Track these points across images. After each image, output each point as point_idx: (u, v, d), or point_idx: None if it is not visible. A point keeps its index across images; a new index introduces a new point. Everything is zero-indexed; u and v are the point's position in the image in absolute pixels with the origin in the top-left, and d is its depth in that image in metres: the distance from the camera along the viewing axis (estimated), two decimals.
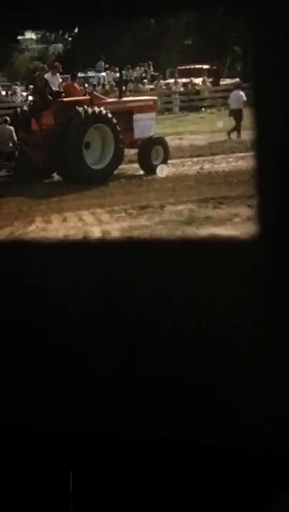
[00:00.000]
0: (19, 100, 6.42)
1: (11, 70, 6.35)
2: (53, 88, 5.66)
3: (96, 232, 5.59)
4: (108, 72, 6.37)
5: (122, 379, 2.82)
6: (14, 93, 6.58)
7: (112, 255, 3.02)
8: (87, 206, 5.72)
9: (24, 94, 6.56)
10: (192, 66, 6.21)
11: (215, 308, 2.71)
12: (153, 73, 6.21)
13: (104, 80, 6.52)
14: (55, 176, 5.54)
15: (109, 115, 5.30)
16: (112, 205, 5.67)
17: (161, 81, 6.22)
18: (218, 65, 6.04)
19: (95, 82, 6.53)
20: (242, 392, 2.69)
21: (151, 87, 6.35)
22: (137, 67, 6.31)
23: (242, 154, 5.85)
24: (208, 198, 5.37)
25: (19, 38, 6.16)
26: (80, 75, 6.59)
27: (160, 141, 5.80)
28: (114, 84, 6.44)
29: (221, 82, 6.26)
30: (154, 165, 5.64)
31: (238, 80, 6.26)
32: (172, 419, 2.72)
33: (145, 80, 6.33)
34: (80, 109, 5.32)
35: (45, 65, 5.96)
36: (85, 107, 5.40)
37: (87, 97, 5.56)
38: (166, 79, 6.22)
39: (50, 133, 5.44)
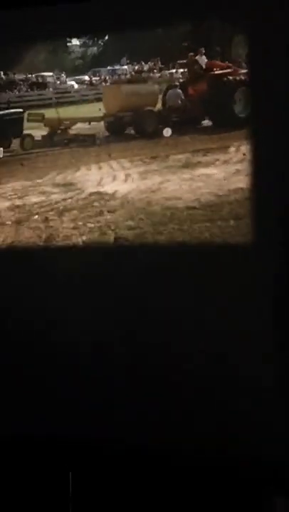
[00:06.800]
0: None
1: (62, 66, 8.03)
2: (203, 66, 7.15)
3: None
4: (129, 65, 8.12)
5: (121, 385, 2.76)
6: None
7: (111, 260, 3.35)
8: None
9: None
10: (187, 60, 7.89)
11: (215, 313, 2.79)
12: (160, 65, 7.89)
13: (126, 71, 8.32)
14: (204, 122, 6.92)
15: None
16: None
17: (166, 71, 7.91)
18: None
19: (119, 73, 8.30)
20: (242, 398, 2.61)
21: (159, 74, 7.64)
22: (149, 62, 7.98)
23: None
24: (198, 149, 6.60)
25: (68, 44, 7.78)
26: (108, 67, 8.05)
27: None
28: (134, 73, 8.24)
29: None
30: None
31: None
32: (169, 426, 2.66)
33: (155, 70, 7.92)
34: (229, 77, 6.77)
35: (192, 53, 7.40)
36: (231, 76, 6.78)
37: (232, 70, 6.81)
38: (170, 69, 7.86)
39: (209, 94, 6.93)
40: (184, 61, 7.89)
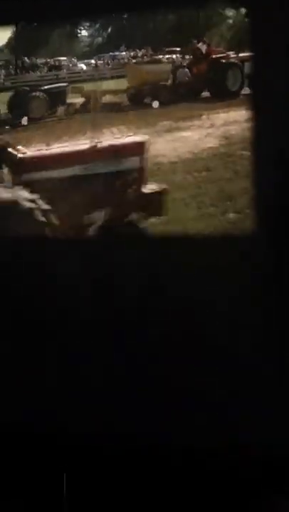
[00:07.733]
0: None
1: (74, 52, 9.82)
2: (203, 51, 9.03)
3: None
4: (127, 52, 9.89)
5: (118, 384, 2.53)
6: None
7: (115, 250, 2.70)
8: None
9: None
10: (174, 48, 9.53)
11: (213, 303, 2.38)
12: (151, 52, 9.67)
13: (125, 56, 10.13)
14: (204, 94, 8.84)
15: (239, 63, 8.38)
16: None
17: (155, 57, 9.66)
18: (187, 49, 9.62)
19: (119, 58, 10.05)
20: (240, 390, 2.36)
21: (149, 60, 9.33)
22: (142, 49, 9.75)
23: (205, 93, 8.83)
24: (182, 116, 8.31)
25: (78, 35, 9.52)
26: (110, 53, 9.69)
27: None
28: (131, 58, 9.80)
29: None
30: None
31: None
32: (167, 424, 2.44)
33: (145, 56, 9.42)
34: (223, 60, 8.75)
35: (195, 41, 9.28)
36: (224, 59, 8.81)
37: (225, 54, 8.84)
38: (158, 55, 9.63)
39: (208, 72, 8.88)
40: (171, 49, 9.90)
